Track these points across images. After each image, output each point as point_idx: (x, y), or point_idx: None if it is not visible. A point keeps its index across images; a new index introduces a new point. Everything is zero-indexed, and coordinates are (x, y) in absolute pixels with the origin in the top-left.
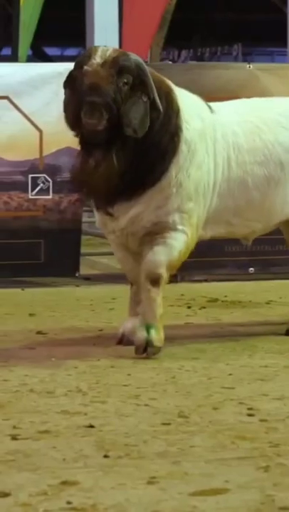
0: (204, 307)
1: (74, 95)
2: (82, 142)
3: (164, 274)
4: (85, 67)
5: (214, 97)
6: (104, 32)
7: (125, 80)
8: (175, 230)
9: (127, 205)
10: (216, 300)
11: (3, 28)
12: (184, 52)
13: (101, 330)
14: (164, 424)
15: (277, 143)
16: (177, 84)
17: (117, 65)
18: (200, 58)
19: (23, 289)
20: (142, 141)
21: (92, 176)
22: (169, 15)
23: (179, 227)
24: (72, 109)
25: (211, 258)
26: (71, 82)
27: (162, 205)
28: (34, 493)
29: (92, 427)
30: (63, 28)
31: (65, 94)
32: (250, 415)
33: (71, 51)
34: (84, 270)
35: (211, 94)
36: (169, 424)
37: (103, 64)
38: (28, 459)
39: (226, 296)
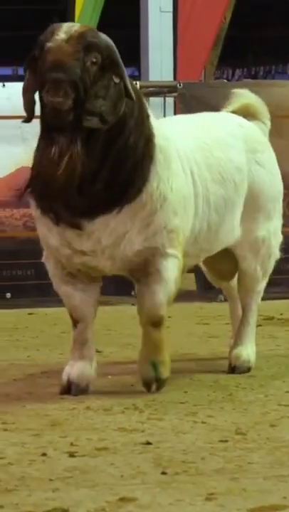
0: (260, 325)
1: (35, 77)
2: (43, 129)
3: (165, 313)
4: (48, 44)
5: (270, 115)
6: (159, 51)
7: (94, 60)
8: (165, 256)
9: (104, 217)
10: (271, 318)
11: None
12: (237, 71)
13: None
14: (221, 441)
15: (229, 160)
16: None
17: (84, 41)
18: (254, 77)
19: None
20: (114, 139)
21: (55, 168)
22: (223, 33)
23: (169, 251)
24: (32, 91)
25: None
26: (32, 64)
27: (149, 223)
28: (92, 510)
29: (149, 443)
30: (118, 47)
31: (25, 78)
32: None
33: (127, 71)
34: None
35: None
36: (226, 441)
37: (68, 40)
38: (86, 475)
39: (281, 314)
